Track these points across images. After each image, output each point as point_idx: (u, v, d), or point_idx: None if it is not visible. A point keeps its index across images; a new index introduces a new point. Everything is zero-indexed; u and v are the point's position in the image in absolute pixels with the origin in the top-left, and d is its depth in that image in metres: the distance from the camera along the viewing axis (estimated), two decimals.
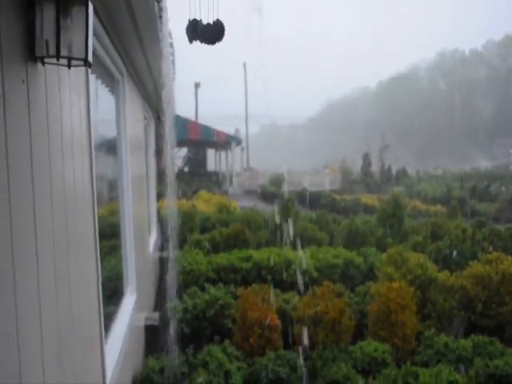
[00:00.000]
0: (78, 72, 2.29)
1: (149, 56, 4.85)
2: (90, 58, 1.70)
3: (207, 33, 2.52)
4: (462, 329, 5.85)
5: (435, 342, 4.53)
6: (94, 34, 2.79)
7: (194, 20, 2.52)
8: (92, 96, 2.64)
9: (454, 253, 8.57)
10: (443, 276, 5.99)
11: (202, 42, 2.60)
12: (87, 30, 1.63)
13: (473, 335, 4.77)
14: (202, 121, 33.77)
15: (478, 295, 5.74)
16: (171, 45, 5.54)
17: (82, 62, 1.68)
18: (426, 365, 4.34)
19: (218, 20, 2.54)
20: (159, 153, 10.09)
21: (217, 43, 2.62)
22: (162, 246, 9.17)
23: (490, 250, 9.09)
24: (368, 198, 21.17)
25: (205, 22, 2.57)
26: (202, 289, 6.27)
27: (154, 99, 8.32)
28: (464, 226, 10.50)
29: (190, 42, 2.62)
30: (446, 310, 5.56)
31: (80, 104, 2.36)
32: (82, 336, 2.21)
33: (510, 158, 62.30)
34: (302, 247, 8.76)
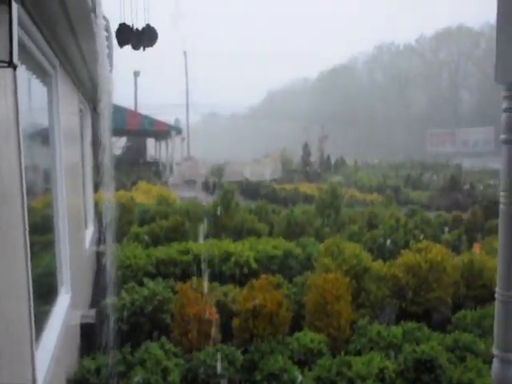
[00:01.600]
0: None
1: (83, 48, 4.68)
2: (16, 60, 1.63)
3: (138, 38, 2.45)
4: (394, 316, 6.13)
5: (368, 330, 4.72)
6: (23, 27, 2.67)
7: (124, 24, 2.45)
8: (23, 87, 2.53)
9: (388, 241, 8.93)
10: (377, 265, 6.23)
11: (133, 47, 2.53)
12: (11, 33, 1.56)
13: (403, 322, 5.01)
14: (141, 110, 33.10)
15: (408, 283, 6.01)
16: (108, 30, 5.36)
17: (6, 64, 1.61)
18: (359, 353, 4.51)
19: (148, 25, 2.47)
20: (96, 144, 9.82)
21: (147, 48, 2.55)
22: (100, 239, 8.95)
23: (421, 237, 9.55)
24: (307, 188, 21.57)
25: (134, 21, 2.50)
26: (141, 284, 6.19)
27: (90, 91, 8.06)
28: (397, 215, 10.93)
29: (121, 46, 2.55)
30: (379, 299, 5.79)
31: (6, 95, 2.25)
32: (9, 339, 2.13)
33: (442, 148, 65.23)
34: (242, 239, 8.84)
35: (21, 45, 2.52)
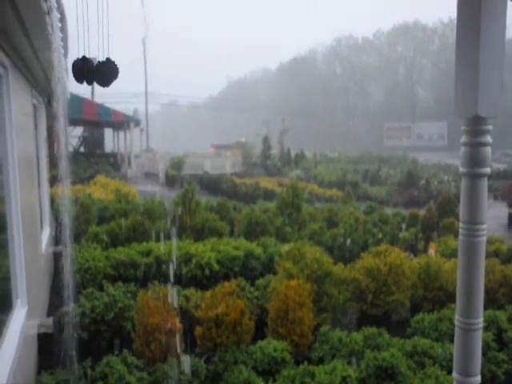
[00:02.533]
0: None
1: (35, 44, 4.49)
2: None
3: (98, 74, 2.32)
4: (355, 319, 6.25)
5: (330, 337, 4.77)
6: None
7: (83, 59, 2.31)
8: None
9: (348, 241, 9.09)
10: (338, 269, 6.31)
11: (90, 83, 2.40)
12: None
13: (363, 327, 5.09)
14: (99, 99, 32.24)
15: (368, 286, 6.12)
16: (63, 18, 5.13)
17: None
18: (322, 361, 4.56)
19: (108, 59, 2.34)
20: (51, 137, 9.50)
21: (110, 84, 2.42)
22: (57, 241, 8.70)
23: (380, 236, 9.77)
24: (268, 182, 21.66)
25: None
26: (101, 287, 6.06)
27: (43, 84, 7.76)
28: (357, 213, 11.14)
29: (79, 82, 2.41)
30: (340, 302, 5.88)
31: None
32: None
33: (398, 141, 66.74)
34: (203, 238, 8.78)
35: None
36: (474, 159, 2.13)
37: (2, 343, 3.14)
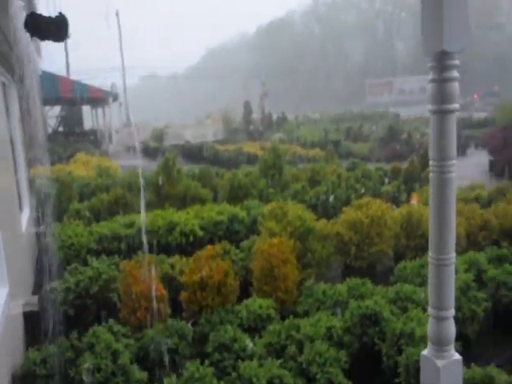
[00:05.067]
0: None
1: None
2: None
3: (49, 29, 2.22)
4: (340, 272, 6.32)
5: (314, 290, 4.83)
6: None
7: (32, 14, 2.21)
8: None
9: (331, 198, 9.12)
10: (320, 224, 6.34)
11: (42, 39, 2.30)
12: None
13: (348, 279, 5.16)
14: (74, 76, 31.55)
15: (351, 239, 6.18)
16: None
17: None
18: (307, 314, 4.62)
19: (60, 14, 2.24)
20: (25, 116, 9.30)
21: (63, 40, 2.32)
22: (39, 221, 8.61)
23: (362, 191, 9.81)
24: (251, 147, 21.56)
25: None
26: (85, 263, 6.04)
27: (12, 61, 7.53)
28: (339, 170, 11.15)
29: (31, 37, 2.31)
30: (324, 257, 5.93)
31: None
32: None
33: (380, 98, 66.47)
34: (186, 206, 8.75)
35: None
36: (442, 95, 2.10)
37: None
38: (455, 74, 2.09)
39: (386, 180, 11.31)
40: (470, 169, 16.56)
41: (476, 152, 21.76)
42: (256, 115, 33.90)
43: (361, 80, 74.70)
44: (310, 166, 12.16)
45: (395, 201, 9.67)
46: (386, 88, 69.85)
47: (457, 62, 2.08)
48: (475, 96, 53.06)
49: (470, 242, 6.63)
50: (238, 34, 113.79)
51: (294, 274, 5.11)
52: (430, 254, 2.30)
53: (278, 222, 6.11)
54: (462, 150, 22.45)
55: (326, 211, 8.61)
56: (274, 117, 33.78)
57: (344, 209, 6.94)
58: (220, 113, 34.24)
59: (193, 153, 21.90)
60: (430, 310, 2.36)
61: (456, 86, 2.11)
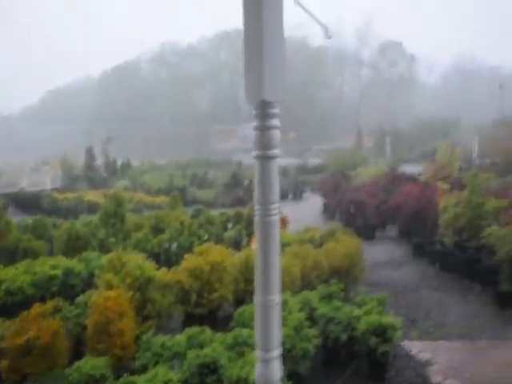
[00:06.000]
0: None
1: None
2: None
3: None
4: (181, 322, 6.25)
5: (152, 343, 4.69)
6: None
7: None
8: None
9: (174, 245, 9.08)
10: (161, 273, 6.24)
11: None
12: None
13: (187, 328, 5.11)
14: None
15: (192, 287, 6.17)
16: None
17: None
18: (146, 369, 4.45)
19: None
20: None
21: None
22: None
23: (205, 237, 9.95)
24: (93, 195, 20.67)
25: None
26: None
27: None
28: (182, 217, 11.19)
29: None
30: (164, 307, 5.82)
31: None
32: None
33: (225, 144, 68.96)
34: (17, 261, 7.99)
35: None
36: (264, 142, 2.23)
37: None
38: (276, 122, 2.24)
39: (230, 225, 11.64)
40: (306, 212, 17.85)
41: (312, 196, 23.59)
42: (100, 161, 32.75)
43: (207, 127, 76.96)
44: (154, 214, 12.03)
45: (237, 245, 9.97)
46: (230, 135, 72.81)
47: (277, 110, 2.25)
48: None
49: (304, 282, 7.07)
50: (81, 75, 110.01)
51: (131, 328, 4.92)
52: (256, 295, 2.39)
53: (116, 273, 5.89)
54: (299, 195, 24.23)
55: (169, 259, 8.53)
56: (119, 163, 32.98)
57: (186, 256, 6.94)
58: (59, 159, 32.39)
59: (28, 202, 20.26)
60: (257, 352, 2.42)
61: (277, 133, 2.26)
